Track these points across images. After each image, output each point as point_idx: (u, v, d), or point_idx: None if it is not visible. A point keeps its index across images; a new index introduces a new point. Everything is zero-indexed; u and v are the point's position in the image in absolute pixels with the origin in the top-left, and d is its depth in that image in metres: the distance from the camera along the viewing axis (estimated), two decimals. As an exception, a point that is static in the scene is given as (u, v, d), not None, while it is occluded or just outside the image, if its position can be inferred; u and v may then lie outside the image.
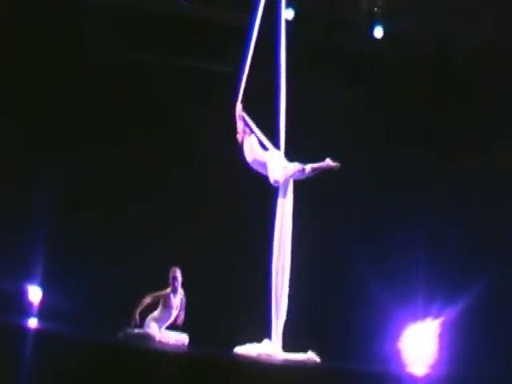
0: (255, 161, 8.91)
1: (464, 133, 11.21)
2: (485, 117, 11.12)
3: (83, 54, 11.07)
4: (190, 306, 9.69)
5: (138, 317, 9.34)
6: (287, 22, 9.37)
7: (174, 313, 9.60)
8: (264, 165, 8.81)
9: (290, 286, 8.52)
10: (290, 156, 8.73)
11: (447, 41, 11.37)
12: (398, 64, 11.51)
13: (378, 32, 11.24)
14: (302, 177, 8.62)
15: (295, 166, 8.56)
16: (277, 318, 8.46)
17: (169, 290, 9.60)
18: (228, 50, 10.16)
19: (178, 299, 9.62)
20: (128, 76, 11.21)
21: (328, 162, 8.46)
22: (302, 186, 8.74)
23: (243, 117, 9.03)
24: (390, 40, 11.31)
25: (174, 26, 11.29)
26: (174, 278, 9.59)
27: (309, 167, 8.51)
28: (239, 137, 9.04)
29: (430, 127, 11.36)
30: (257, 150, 8.91)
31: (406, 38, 11.36)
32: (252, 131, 9.00)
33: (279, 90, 8.81)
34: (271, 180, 8.66)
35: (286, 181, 8.64)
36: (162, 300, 9.57)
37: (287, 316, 8.45)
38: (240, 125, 9.02)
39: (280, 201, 8.67)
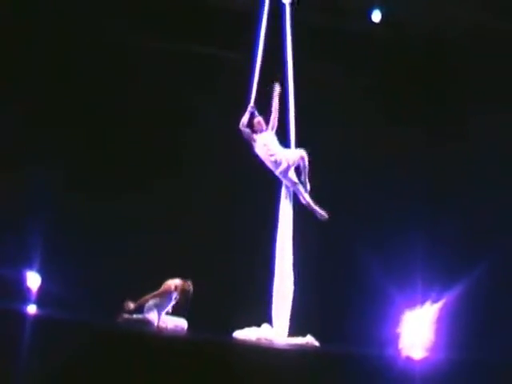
0: (267, 158, 9.23)
1: (461, 114, 11.23)
2: (482, 97, 11.13)
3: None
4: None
5: (135, 304, 9.32)
6: (285, 6, 9.43)
7: (173, 302, 9.59)
8: (277, 163, 9.13)
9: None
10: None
11: (444, 25, 11.36)
12: (395, 48, 11.49)
13: (376, 16, 11.24)
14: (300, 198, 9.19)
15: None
16: (278, 303, 8.56)
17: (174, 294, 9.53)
18: (230, 37, 10.20)
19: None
20: (135, 62, 11.18)
21: (321, 213, 9.16)
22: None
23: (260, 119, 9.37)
24: (387, 24, 11.31)
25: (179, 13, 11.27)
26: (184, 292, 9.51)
27: (305, 199, 9.15)
28: (251, 137, 9.34)
29: (429, 109, 11.38)
30: (273, 146, 9.26)
31: (404, 23, 11.37)
32: (266, 129, 9.32)
33: (287, 83, 9.07)
34: (284, 165, 9.05)
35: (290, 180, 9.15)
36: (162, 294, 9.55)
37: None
38: (256, 123, 9.35)
39: (283, 199, 9.13)
